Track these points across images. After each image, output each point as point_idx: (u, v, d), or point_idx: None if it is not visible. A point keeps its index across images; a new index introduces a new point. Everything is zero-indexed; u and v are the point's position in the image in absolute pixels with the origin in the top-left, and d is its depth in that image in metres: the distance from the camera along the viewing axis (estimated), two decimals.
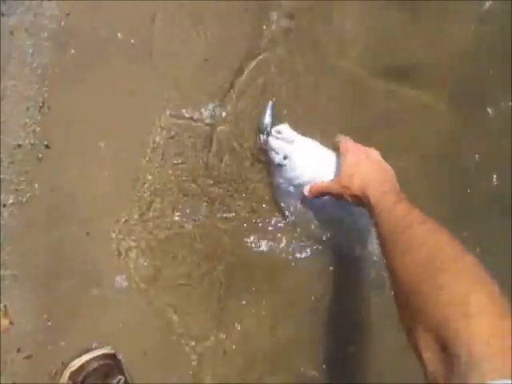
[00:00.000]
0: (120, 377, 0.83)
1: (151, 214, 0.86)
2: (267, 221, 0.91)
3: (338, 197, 0.77)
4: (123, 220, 0.86)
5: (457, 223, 0.95)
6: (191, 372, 0.92)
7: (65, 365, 0.83)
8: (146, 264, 0.88)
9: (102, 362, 0.82)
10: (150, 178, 0.85)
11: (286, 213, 0.90)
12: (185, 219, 0.89)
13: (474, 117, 1.04)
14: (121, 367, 0.85)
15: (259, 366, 0.95)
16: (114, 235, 0.86)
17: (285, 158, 0.80)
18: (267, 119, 0.85)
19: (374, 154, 0.76)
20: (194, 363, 0.92)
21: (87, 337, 0.86)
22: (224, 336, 0.93)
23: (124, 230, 0.86)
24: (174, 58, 0.85)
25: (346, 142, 0.80)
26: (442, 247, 0.48)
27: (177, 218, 0.89)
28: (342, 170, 0.75)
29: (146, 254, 0.88)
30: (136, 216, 0.87)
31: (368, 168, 0.72)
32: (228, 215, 0.89)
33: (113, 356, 0.84)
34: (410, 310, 0.46)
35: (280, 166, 0.81)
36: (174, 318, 0.90)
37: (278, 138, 0.80)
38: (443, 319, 0.41)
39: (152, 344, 0.90)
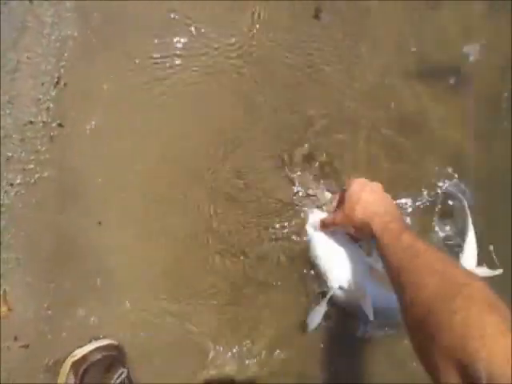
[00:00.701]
0: (122, 370, 0.80)
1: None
2: None
3: (341, 226, 0.79)
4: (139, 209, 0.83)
5: None
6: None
7: (67, 354, 0.79)
8: (153, 259, 0.86)
9: (105, 353, 0.79)
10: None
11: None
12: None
13: None
14: (124, 360, 0.82)
15: None
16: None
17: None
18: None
19: (377, 186, 0.77)
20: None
21: (89, 328, 0.83)
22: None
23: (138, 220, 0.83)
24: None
25: (350, 179, 0.82)
26: (452, 274, 0.50)
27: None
28: (346, 200, 0.77)
29: (156, 248, 0.85)
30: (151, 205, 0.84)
31: (371, 198, 0.73)
32: None
33: (116, 347, 0.82)
34: (424, 335, 0.47)
35: None
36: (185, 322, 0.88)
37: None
38: (460, 339, 0.41)
39: (157, 338, 0.87)
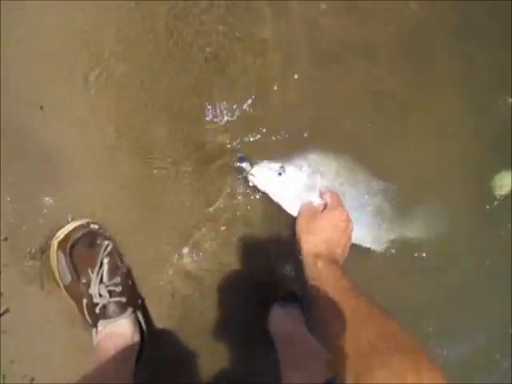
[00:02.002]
0: (107, 242, 0.83)
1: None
2: None
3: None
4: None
5: None
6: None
7: (49, 239, 0.82)
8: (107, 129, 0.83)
9: (86, 230, 0.82)
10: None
11: None
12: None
13: None
14: (105, 234, 0.85)
15: None
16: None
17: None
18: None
19: (342, 213, 0.78)
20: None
21: (59, 213, 0.83)
22: None
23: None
24: None
25: (326, 192, 0.84)
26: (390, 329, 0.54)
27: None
28: (309, 209, 0.80)
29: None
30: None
31: (327, 228, 0.75)
32: None
33: (95, 223, 0.84)
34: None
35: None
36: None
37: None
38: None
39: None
